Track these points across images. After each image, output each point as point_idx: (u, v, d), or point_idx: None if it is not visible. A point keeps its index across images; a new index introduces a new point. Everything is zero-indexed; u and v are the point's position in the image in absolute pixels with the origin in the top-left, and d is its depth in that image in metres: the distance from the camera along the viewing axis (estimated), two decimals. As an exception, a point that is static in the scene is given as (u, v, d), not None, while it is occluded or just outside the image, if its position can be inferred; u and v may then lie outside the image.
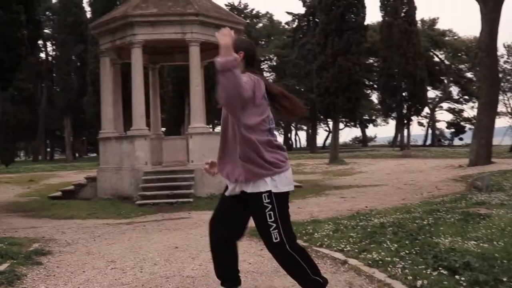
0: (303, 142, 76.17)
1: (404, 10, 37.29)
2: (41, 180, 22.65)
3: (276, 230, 3.12)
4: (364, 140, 66.02)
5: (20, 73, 42.09)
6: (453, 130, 63.83)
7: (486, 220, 6.02)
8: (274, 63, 60.22)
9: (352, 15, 25.59)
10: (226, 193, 3.32)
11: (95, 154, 52.87)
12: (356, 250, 4.86)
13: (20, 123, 42.87)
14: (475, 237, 5.00)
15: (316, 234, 5.93)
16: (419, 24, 43.07)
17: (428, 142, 60.12)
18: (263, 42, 59.79)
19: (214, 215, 3.42)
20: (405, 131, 42.15)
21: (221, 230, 3.35)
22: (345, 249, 4.98)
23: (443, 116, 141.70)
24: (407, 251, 4.51)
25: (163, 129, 44.83)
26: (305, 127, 66.70)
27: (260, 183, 3.11)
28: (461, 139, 62.44)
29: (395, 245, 4.78)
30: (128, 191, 14.08)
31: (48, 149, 59.39)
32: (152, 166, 14.67)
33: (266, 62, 62.54)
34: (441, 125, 67.28)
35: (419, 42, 37.41)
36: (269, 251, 3.26)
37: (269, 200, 3.11)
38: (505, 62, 37.53)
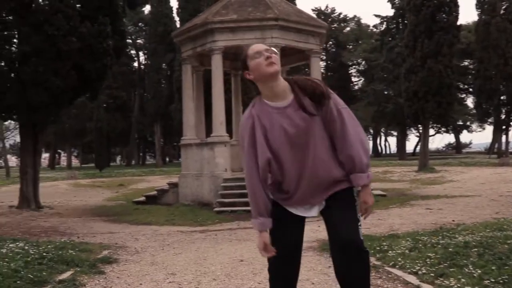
0: (393, 148, 73.83)
1: (503, 7, 34.90)
2: (130, 184, 23.51)
3: (361, 228, 2.66)
4: (458, 147, 62.72)
5: (114, 82, 44.46)
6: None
7: None
8: (362, 68, 58.90)
9: (444, 15, 24.22)
10: (313, 214, 2.76)
11: (184, 159, 54.32)
12: (433, 274, 4.32)
13: (114, 129, 45.06)
14: None
15: (390, 251, 5.43)
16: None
17: (531, 149, 55.87)
18: (350, 46, 58.74)
19: (278, 267, 2.78)
20: (503, 137, 39.42)
21: (288, 281, 2.83)
22: (419, 272, 4.44)
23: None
24: (493, 279, 3.92)
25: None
26: (394, 133, 64.53)
27: None
28: None
29: (479, 271, 4.19)
30: (207, 197, 14.11)
31: (141, 154, 62.00)
32: (232, 173, 14.61)
33: (354, 67, 61.43)
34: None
35: (520, 41, 34.79)
36: (351, 252, 2.58)
37: (356, 194, 2.74)
38: None
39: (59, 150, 66.04)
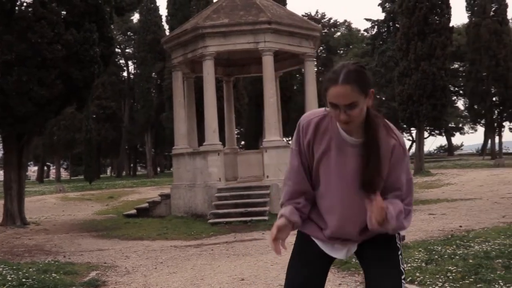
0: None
1: (493, 9, 34.79)
2: (121, 196, 22.90)
3: (404, 283, 2.18)
4: (450, 149, 62.54)
5: (103, 92, 43.89)
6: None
7: None
8: (353, 73, 58.60)
9: (436, 17, 23.99)
10: (339, 256, 2.32)
11: (176, 169, 53.72)
12: (459, 292, 3.88)
13: (104, 140, 44.33)
14: None
15: (405, 264, 4.95)
16: (511, 23, 40.08)
17: (523, 149, 55.90)
18: (341, 51, 58.53)
19: None
20: (496, 138, 39.23)
21: None
22: (444, 290, 4.00)
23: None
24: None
25: (242, 142, 44.65)
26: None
27: None
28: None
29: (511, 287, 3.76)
30: (201, 208, 13.60)
31: (132, 165, 61.15)
32: (226, 182, 14.11)
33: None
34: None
35: (511, 42, 34.68)
36: None
37: (398, 241, 2.25)
38: None
39: (48, 163, 65.09)
